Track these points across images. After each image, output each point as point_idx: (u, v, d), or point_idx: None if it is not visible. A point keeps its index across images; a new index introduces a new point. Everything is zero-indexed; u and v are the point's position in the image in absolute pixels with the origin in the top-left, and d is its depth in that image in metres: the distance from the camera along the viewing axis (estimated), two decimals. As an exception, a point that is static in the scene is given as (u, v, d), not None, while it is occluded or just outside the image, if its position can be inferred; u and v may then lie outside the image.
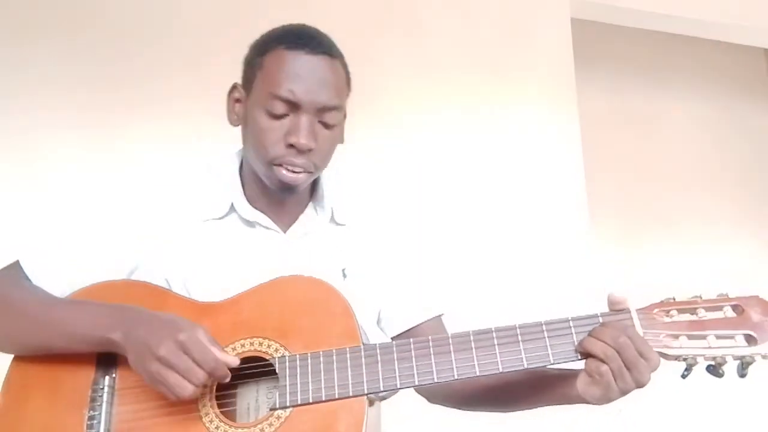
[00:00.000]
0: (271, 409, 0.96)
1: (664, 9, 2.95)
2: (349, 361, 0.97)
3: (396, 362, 0.97)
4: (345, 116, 1.12)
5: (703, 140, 3.69)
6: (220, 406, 0.97)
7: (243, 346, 1.00)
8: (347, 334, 1.00)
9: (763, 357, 0.92)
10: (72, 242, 1.10)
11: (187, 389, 0.91)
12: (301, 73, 1.03)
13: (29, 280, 1.07)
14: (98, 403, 0.98)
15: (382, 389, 0.96)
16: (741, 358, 0.92)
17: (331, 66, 1.06)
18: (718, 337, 0.93)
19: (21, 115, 2.16)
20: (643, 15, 2.97)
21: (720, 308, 0.95)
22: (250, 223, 1.12)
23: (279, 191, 1.09)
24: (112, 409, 0.98)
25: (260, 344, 0.99)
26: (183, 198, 1.12)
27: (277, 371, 0.97)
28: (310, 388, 0.96)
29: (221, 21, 2.40)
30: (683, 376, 0.94)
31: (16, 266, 1.09)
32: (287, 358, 0.98)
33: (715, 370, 0.93)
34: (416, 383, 0.97)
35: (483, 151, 2.56)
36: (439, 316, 1.19)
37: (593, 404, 0.98)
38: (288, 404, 0.96)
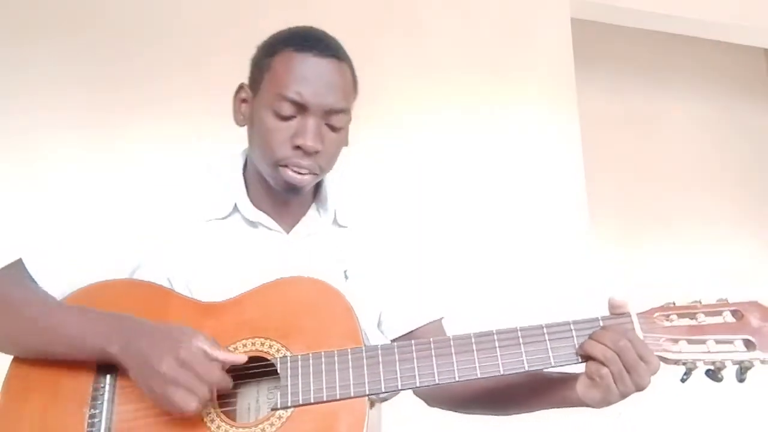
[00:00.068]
0: (272, 409, 0.96)
1: (664, 9, 2.95)
2: (350, 362, 0.97)
3: (397, 363, 0.97)
4: (350, 119, 1.12)
5: (703, 140, 3.69)
6: (220, 405, 0.97)
7: (245, 346, 1.00)
8: (349, 335, 1.00)
9: (762, 362, 0.92)
10: (72, 242, 1.10)
11: (191, 405, 0.91)
12: (309, 76, 1.03)
13: (32, 278, 1.06)
14: (99, 402, 0.97)
15: (383, 390, 0.97)
16: (740, 362, 0.93)
17: (339, 69, 1.06)
18: (717, 341, 0.94)
19: (21, 115, 2.16)
20: (643, 15, 2.97)
21: (719, 313, 0.96)
22: (253, 224, 1.12)
23: (284, 192, 1.09)
24: (113, 407, 0.97)
25: (262, 344, 1.00)
26: (185, 198, 1.12)
27: (278, 371, 0.98)
28: (312, 388, 0.96)
29: (221, 21, 2.40)
30: (683, 381, 0.95)
31: (18, 264, 1.08)
32: (289, 358, 0.98)
33: (714, 374, 0.94)
34: (417, 384, 0.97)
35: (483, 151, 2.56)
36: (440, 319, 1.20)
37: (593, 407, 0.98)
38: (289, 404, 0.96)
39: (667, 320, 0.96)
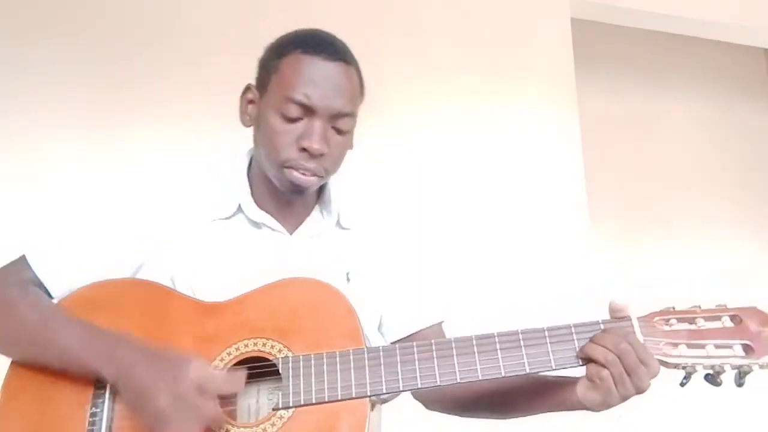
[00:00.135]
0: (273, 409, 0.96)
1: (664, 9, 2.95)
2: (352, 363, 0.97)
3: (399, 365, 0.97)
4: (356, 123, 1.12)
5: (703, 140, 3.69)
6: (221, 405, 0.97)
7: (246, 346, 1.00)
8: (350, 337, 1.00)
9: (761, 366, 0.93)
10: (72, 242, 1.10)
11: None
12: (316, 79, 1.04)
13: (35, 276, 1.06)
14: (100, 400, 0.97)
15: (384, 391, 0.97)
16: (739, 367, 0.93)
17: (346, 73, 1.06)
18: (716, 346, 0.94)
19: (21, 115, 2.16)
20: (643, 15, 2.97)
21: (718, 318, 0.96)
22: (257, 224, 1.12)
23: (288, 193, 1.09)
24: (114, 405, 0.97)
25: (263, 344, 1.00)
26: (187, 198, 1.12)
27: (280, 371, 0.98)
28: (313, 388, 0.96)
29: (221, 21, 2.40)
30: (682, 385, 0.95)
31: (21, 262, 1.07)
32: (290, 358, 0.98)
33: (713, 378, 0.94)
34: (419, 386, 0.97)
35: (483, 151, 2.57)
36: (440, 323, 1.20)
37: (593, 410, 0.98)
38: (291, 404, 0.96)
39: (667, 324, 0.97)
